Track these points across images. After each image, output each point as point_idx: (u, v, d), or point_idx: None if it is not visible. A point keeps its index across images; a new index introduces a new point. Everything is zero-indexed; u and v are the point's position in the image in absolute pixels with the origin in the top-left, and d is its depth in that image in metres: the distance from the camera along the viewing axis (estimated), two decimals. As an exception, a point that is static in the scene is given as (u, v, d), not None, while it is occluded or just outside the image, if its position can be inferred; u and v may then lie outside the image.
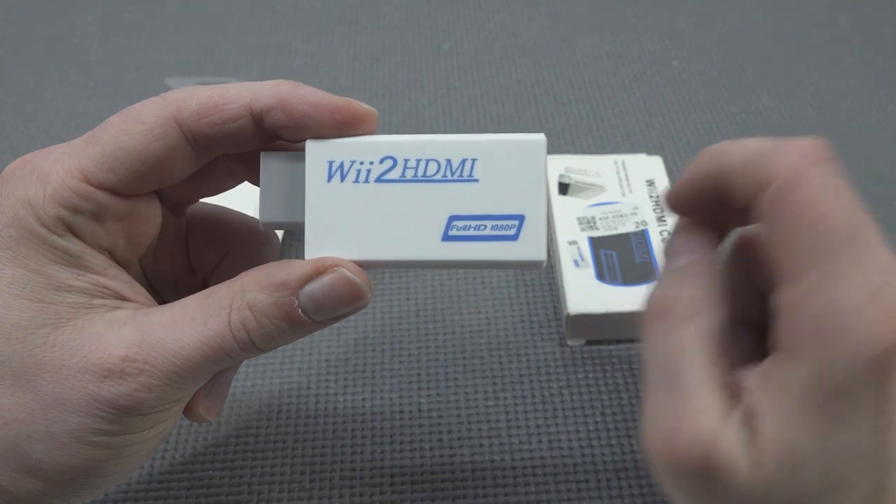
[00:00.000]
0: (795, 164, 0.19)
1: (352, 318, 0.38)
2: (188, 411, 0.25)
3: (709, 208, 0.22)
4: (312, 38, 0.59)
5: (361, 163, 0.21)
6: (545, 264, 0.21)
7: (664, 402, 0.20)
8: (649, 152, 0.47)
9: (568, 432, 0.33)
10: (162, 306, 0.22)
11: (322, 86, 0.60)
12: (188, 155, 0.22)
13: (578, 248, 0.37)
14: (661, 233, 0.38)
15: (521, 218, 0.21)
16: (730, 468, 0.19)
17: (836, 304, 0.18)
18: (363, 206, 0.21)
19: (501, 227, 0.21)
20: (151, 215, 0.23)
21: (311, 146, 0.22)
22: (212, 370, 0.22)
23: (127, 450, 0.22)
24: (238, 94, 0.22)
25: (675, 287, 0.21)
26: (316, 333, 0.37)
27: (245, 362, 0.36)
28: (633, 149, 0.48)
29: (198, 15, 0.62)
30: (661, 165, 0.43)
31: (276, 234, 0.28)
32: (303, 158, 0.22)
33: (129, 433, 0.22)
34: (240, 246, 0.27)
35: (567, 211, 0.40)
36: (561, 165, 0.42)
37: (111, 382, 0.21)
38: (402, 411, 0.34)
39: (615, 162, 0.43)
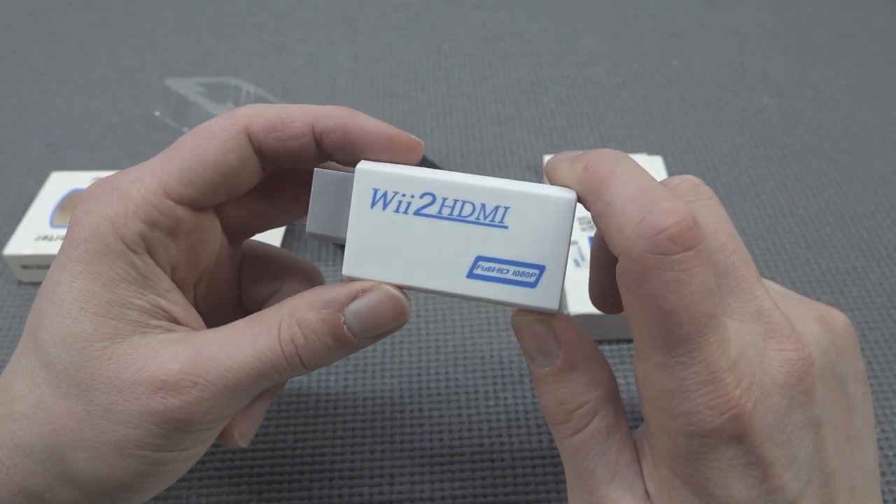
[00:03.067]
0: (642, 253, 0.19)
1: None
2: (223, 435, 0.25)
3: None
4: (312, 38, 0.59)
5: (403, 195, 0.22)
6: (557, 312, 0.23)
7: (580, 498, 0.22)
8: (650, 152, 0.47)
9: (568, 432, 0.33)
10: (213, 329, 0.23)
11: (322, 85, 0.60)
12: (256, 166, 0.23)
13: (579, 249, 0.37)
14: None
15: (541, 268, 0.22)
16: None
17: (675, 386, 0.20)
18: (400, 235, 0.22)
19: (523, 274, 0.22)
20: (213, 235, 0.25)
21: (360, 172, 0.22)
22: (259, 387, 0.23)
23: (165, 467, 0.23)
24: (302, 114, 0.23)
25: (565, 393, 0.22)
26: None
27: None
28: (633, 148, 0.48)
29: (198, 15, 0.62)
30: (661, 165, 0.43)
31: (322, 274, 0.29)
32: (352, 180, 0.23)
33: (172, 450, 0.22)
34: (292, 283, 0.28)
35: (567, 211, 0.40)
36: (561, 165, 0.42)
37: (164, 394, 0.21)
38: (402, 411, 0.34)
39: (615, 162, 0.43)
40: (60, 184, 0.43)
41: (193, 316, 0.24)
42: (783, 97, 0.52)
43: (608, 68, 0.55)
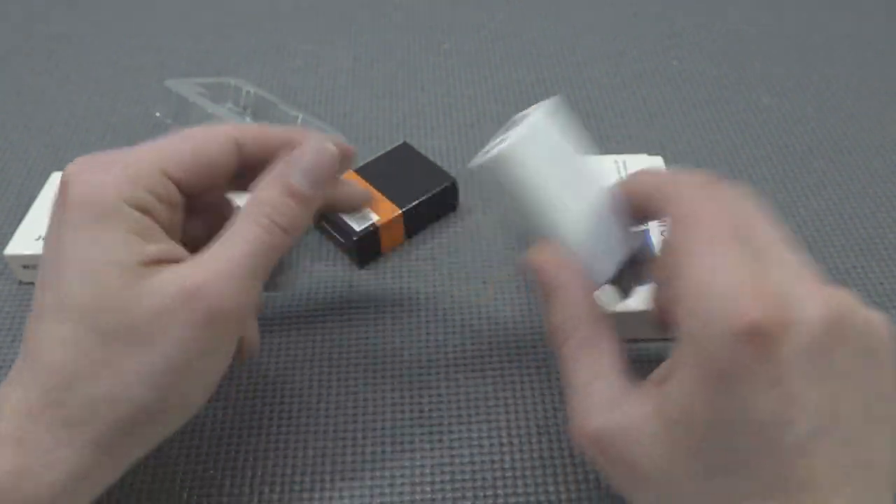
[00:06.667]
0: (685, 183, 0.25)
1: (353, 316, 0.38)
2: (239, 355, 0.30)
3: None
4: (312, 38, 0.59)
5: None
6: None
7: (570, 402, 0.26)
8: (650, 152, 0.47)
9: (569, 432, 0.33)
10: (208, 248, 0.27)
11: (322, 85, 0.60)
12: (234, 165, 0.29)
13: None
14: (661, 233, 0.38)
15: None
16: (624, 444, 0.23)
17: (709, 288, 0.22)
18: None
19: None
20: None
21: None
22: (265, 268, 0.27)
23: (200, 381, 0.27)
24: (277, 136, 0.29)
25: (557, 314, 0.27)
26: (317, 334, 0.37)
27: (247, 362, 0.36)
28: (633, 149, 0.48)
29: (198, 15, 0.62)
30: (661, 166, 0.43)
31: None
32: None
33: (212, 352, 0.26)
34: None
35: (567, 211, 0.40)
36: (561, 165, 0.42)
37: (202, 297, 0.25)
38: (402, 411, 0.34)
39: (615, 162, 0.43)
40: (61, 184, 0.43)
41: (185, 253, 0.27)
42: (783, 97, 0.52)
43: (608, 68, 0.55)
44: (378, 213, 0.40)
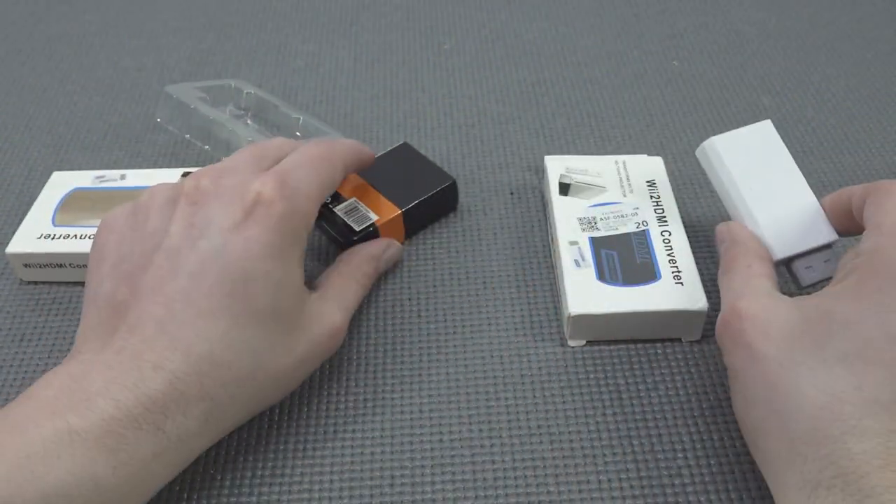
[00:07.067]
0: (882, 182, 0.31)
1: (353, 317, 0.38)
2: None
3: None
4: (313, 38, 0.59)
5: None
6: None
7: (723, 299, 0.32)
8: (650, 153, 0.47)
9: (569, 433, 0.33)
10: (328, 287, 0.35)
11: (322, 86, 0.60)
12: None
13: (579, 249, 0.37)
14: (661, 233, 0.38)
15: None
16: (756, 325, 0.28)
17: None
18: None
19: None
20: None
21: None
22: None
23: None
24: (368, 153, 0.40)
25: (730, 252, 0.34)
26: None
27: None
28: (633, 149, 0.48)
29: (198, 15, 0.62)
30: (661, 166, 0.43)
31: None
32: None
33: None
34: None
35: (568, 211, 0.40)
36: (562, 166, 0.42)
37: (336, 338, 0.33)
38: (402, 411, 0.34)
39: (616, 162, 0.43)
40: (61, 183, 0.43)
41: None
42: (783, 97, 0.52)
43: (608, 69, 0.55)
44: (378, 213, 0.40)
